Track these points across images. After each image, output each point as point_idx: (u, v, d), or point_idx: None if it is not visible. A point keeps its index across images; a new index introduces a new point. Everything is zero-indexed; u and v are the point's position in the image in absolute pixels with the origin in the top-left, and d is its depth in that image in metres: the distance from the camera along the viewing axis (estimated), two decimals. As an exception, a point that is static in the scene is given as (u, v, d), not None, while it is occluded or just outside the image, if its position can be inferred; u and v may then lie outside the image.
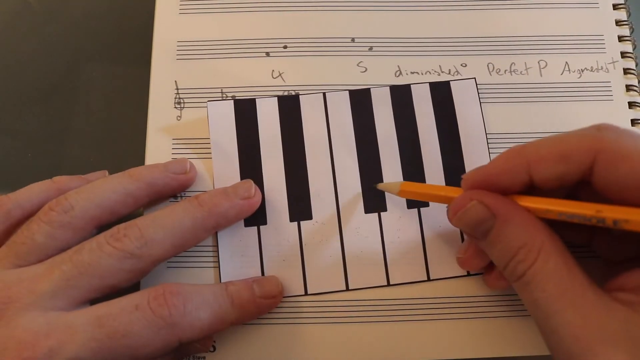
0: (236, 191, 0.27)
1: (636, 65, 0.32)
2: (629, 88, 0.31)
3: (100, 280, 0.23)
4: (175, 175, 0.28)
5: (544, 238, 0.21)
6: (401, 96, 0.31)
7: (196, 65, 0.31)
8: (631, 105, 0.31)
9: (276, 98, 0.31)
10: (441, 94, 0.31)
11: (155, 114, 0.31)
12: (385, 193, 0.29)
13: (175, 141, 0.30)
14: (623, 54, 0.32)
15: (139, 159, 0.30)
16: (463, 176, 0.24)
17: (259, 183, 0.29)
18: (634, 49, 0.32)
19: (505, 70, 0.31)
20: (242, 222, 0.29)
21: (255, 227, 0.29)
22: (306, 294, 0.28)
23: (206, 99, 0.31)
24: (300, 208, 0.29)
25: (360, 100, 0.30)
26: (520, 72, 0.31)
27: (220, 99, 0.31)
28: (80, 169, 0.29)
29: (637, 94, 0.31)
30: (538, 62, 0.31)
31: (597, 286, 0.20)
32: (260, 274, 0.28)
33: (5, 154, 0.32)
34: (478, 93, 0.31)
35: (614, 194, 0.20)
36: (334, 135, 0.30)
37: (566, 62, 0.32)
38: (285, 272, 0.28)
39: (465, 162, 0.29)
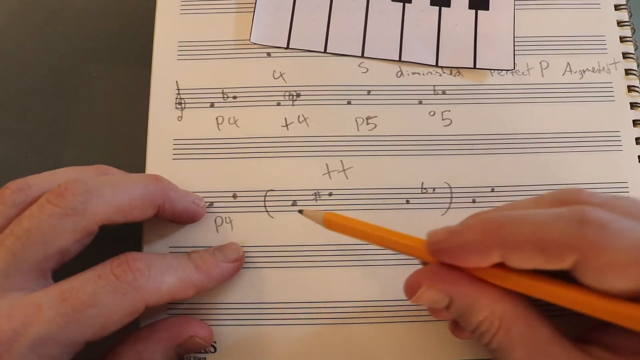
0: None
1: (638, 66, 0.31)
2: (630, 89, 0.31)
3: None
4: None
5: (504, 306, 0.20)
6: None
7: (197, 65, 0.31)
8: (633, 106, 0.31)
9: None
10: None
11: (156, 114, 0.31)
12: None
13: (176, 142, 0.30)
14: (625, 55, 0.32)
15: (139, 159, 0.30)
16: (428, 235, 0.22)
17: None
18: (635, 50, 0.32)
19: (507, 71, 0.31)
20: None
21: None
22: (325, 52, 0.31)
23: (207, 100, 0.31)
24: None
25: None
26: (522, 72, 0.31)
27: (222, 99, 0.31)
28: (81, 169, 0.29)
29: (639, 95, 0.31)
30: (540, 63, 0.31)
31: (566, 341, 0.20)
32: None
33: (5, 154, 0.32)
34: None
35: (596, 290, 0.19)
36: None
37: (568, 63, 0.31)
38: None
39: None
